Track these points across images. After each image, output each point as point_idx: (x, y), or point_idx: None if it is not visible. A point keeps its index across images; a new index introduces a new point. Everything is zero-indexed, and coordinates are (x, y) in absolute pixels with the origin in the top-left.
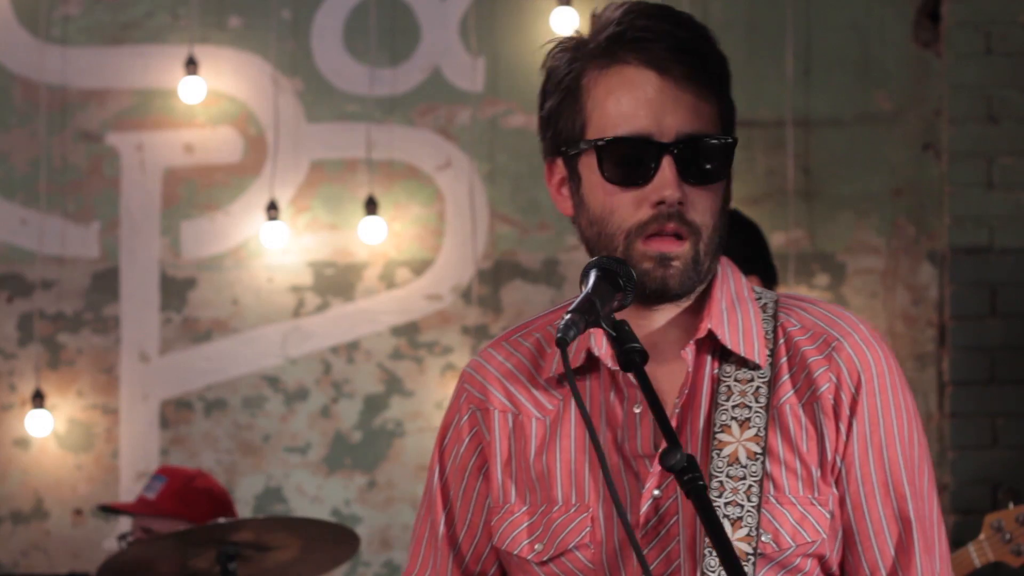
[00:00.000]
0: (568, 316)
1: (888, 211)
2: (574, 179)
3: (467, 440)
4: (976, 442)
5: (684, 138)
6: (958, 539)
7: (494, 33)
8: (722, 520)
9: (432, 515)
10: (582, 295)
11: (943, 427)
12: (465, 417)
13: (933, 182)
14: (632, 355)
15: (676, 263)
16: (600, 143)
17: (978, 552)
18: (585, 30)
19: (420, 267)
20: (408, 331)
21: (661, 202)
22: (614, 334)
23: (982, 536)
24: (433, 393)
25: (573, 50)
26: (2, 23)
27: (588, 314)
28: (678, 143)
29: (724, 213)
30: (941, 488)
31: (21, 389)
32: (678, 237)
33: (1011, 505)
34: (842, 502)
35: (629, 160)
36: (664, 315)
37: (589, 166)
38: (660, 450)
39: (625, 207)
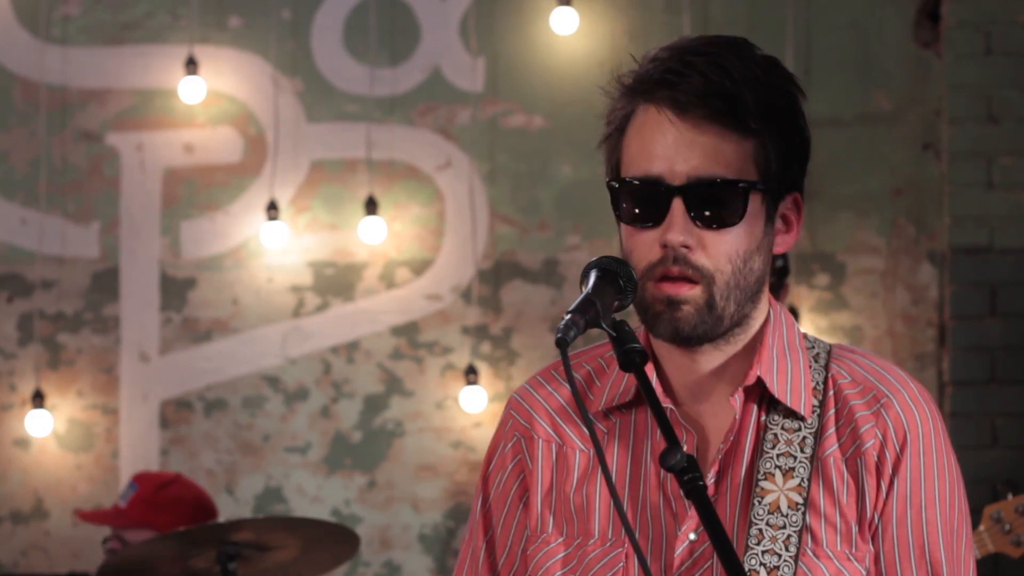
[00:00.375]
0: (568, 316)
1: (888, 211)
2: (616, 215)
3: (511, 467)
4: (976, 442)
5: (695, 181)
6: None
7: (494, 33)
8: (759, 568)
9: (474, 541)
10: (582, 295)
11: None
12: (510, 444)
13: (933, 182)
14: (632, 355)
15: (686, 307)
16: (615, 184)
17: (978, 543)
18: (586, 32)
19: (420, 267)
20: (408, 331)
21: (667, 244)
22: (614, 334)
23: (982, 527)
24: (433, 393)
25: (624, 84)
26: (2, 23)
27: (588, 314)
28: (689, 186)
29: (755, 257)
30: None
31: (21, 389)
32: (688, 280)
33: (1010, 496)
34: (876, 560)
35: (640, 201)
36: (708, 358)
37: (616, 204)
38: (661, 451)
39: (641, 247)
